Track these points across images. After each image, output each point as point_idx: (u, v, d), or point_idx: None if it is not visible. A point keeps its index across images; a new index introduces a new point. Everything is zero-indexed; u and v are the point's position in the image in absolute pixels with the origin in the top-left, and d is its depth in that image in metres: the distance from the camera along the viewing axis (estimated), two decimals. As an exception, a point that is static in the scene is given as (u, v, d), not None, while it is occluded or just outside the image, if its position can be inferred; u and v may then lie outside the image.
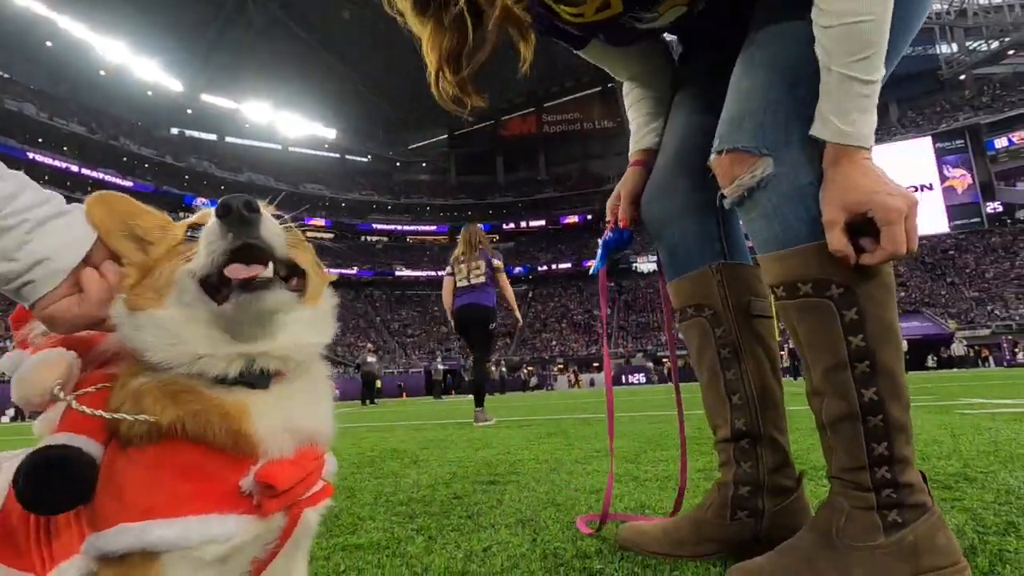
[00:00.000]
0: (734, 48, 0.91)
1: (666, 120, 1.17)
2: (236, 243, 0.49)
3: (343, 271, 43.17)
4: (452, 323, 5.17)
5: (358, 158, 56.29)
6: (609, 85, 42.67)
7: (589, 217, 50.71)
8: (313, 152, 53.73)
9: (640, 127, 1.25)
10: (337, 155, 55.13)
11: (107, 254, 0.56)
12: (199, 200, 43.60)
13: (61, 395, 0.54)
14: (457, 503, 1.49)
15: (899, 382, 0.78)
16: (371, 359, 15.26)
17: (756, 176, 0.80)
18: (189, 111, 45.89)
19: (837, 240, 0.73)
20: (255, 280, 0.49)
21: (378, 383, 18.68)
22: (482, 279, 4.97)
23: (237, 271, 0.49)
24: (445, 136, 56.97)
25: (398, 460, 2.48)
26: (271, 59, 43.24)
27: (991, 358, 25.95)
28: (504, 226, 52.38)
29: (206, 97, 45.24)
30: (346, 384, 29.18)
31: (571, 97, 53.80)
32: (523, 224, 52.38)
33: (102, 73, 41.43)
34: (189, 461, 0.49)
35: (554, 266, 47.92)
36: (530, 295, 47.07)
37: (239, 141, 51.28)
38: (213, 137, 50.12)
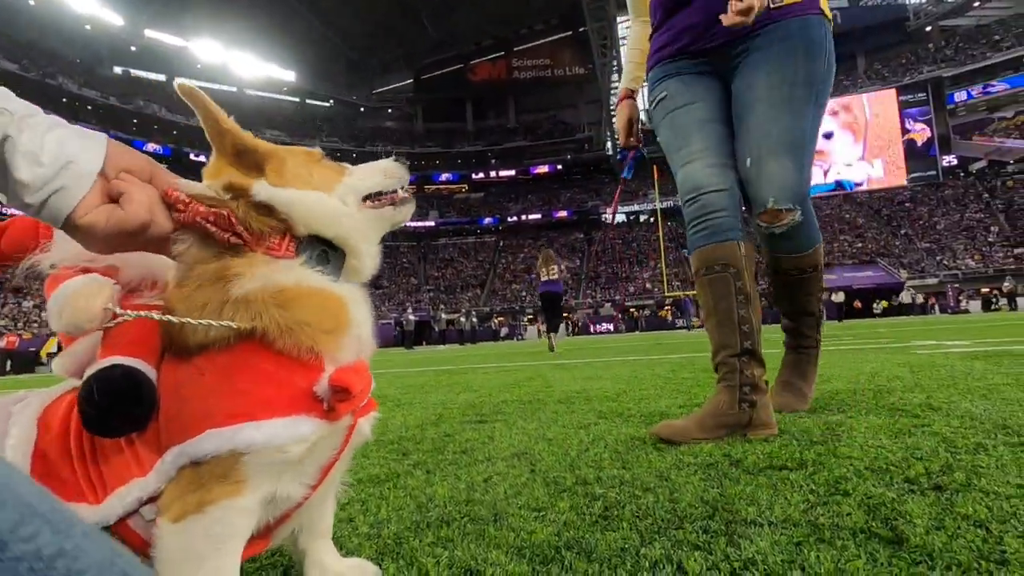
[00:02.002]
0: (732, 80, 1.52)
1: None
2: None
3: (308, 222, 41.89)
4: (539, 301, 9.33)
5: (319, 103, 53.69)
6: (581, 29, 41.36)
7: (560, 167, 50.17)
8: (271, 96, 50.92)
9: (634, 67, 1.78)
10: (297, 99, 52.42)
11: (119, 167, 0.50)
12: (150, 146, 41.18)
13: (117, 310, 0.53)
14: (449, 440, 1.50)
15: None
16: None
17: (794, 220, 1.44)
18: (133, 48, 42.52)
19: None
20: (401, 199, 0.66)
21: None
22: (556, 275, 8.56)
23: (401, 194, 0.67)
24: (411, 81, 54.68)
25: (381, 405, 2.48)
26: (221, -8, 40.15)
27: (936, 305, 27.45)
28: (473, 176, 51.39)
29: (150, 33, 41.85)
30: (315, 336, 28.99)
31: (542, 41, 52.00)
32: (492, 174, 51.49)
33: (31, 2, 37.80)
34: (264, 367, 0.51)
35: (524, 216, 47.63)
36: (500, 244, 46.93)
37: (191, 82, 48.09)
38: (162, 78, 46.81)
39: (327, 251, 0.59)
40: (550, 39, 51.64)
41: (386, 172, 0.66)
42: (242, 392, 0.50)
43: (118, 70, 44.67)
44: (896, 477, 0.92)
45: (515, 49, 52.94)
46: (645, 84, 1.74)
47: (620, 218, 43.47)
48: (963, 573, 0.58)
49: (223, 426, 0.48)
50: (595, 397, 2.26)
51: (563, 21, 48.83)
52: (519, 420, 1.78)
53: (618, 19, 40.39)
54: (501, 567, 0.66)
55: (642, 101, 1.80)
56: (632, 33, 1.82)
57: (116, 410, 0.49)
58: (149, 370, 0.52)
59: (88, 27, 39.01)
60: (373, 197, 0.64)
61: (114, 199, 0.49)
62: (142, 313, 0.52)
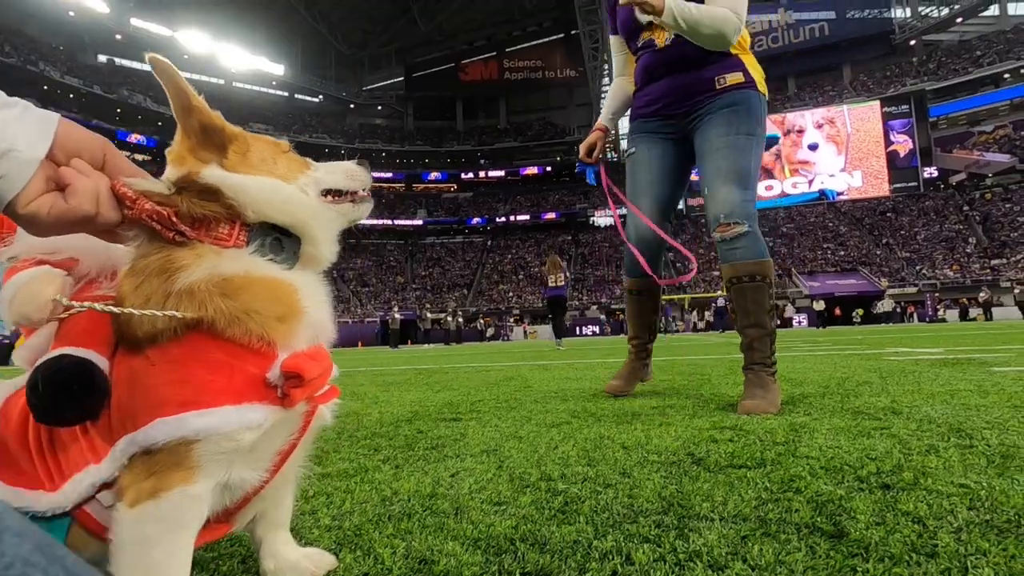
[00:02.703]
0: (692, 136, 2.01)
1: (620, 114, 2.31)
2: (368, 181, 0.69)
3: (294, 217, 41.52)
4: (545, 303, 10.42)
5: (309, 98, 53.21)
6: (572, 32, 41.53)
7: (549, 169, 50.29)
8: (259, 89, 50.33)
9: (610, 111, 2.28)
10: (286, 94, 51.90)
11: (69, 152, 0.50)
12: (134, 137, 40.50)
13: (64, 301, 0.53)
14: (421, 437, 1.51)
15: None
16: (325, 307, 14.99)
17: (741, 231, 1.84)
18: (118, 37, 41.76)
19: None
20: (360, 198, 0.68)
21: (333, 332, 18.45)
22: (562, 281, 9.70)
23: (361, 194, 0.68)
24: (402, 78, 54.45)
25: (358, 401, 2.49)
26: (210, -17, 39.67)
27: (915, 314, 27.97)
28: (462, 175, 51.30)
29: (136, 22, 41.15)
30: (299, 333, 28.72)
31: (534, 43, 52.11)
32: (482, 174, 51.46)
33: (14, -13, 36.99)
34: (214, 356, 0.51)
35: (512, 217, 47.67)
36: (488, 245, 46.91)
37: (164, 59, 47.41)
38: (147, 67, 46.01)
39: (280, 239, 0.59)
40: (542, 41, 51.79)
41: (348, 172, 0.67)
42: (192, 381, 0.50)
43: (102, 58, 43.91)
44: (848, 476, 0.95)
45: (507, 50, 53.00)
46: (625, 118, 2.30)
47: (607, 221, 43.70)
48: (894, 564, 0.61)
49: (172, 415, 0.48)
50: (572, 397, 2.28)
51: (555, 23, 49.01)
52: (493, 418, 1.79)
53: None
54: (455, 557, 0.68)
55: (623, 126, 2.43)
56: (616, 86, 2.29)
57: (62, 399, 0.49)
58: (101, 360, 0.52)
59: (72, 14, 38.27)
60: (334, 194, 0.65)
61: (60, 188, 0.49)
62: (87, 305, 0.52)
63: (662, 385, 2.61)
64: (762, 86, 1.95)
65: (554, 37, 50.84)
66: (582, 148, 2.27)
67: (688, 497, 0.87)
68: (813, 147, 41.47)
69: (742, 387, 1.85)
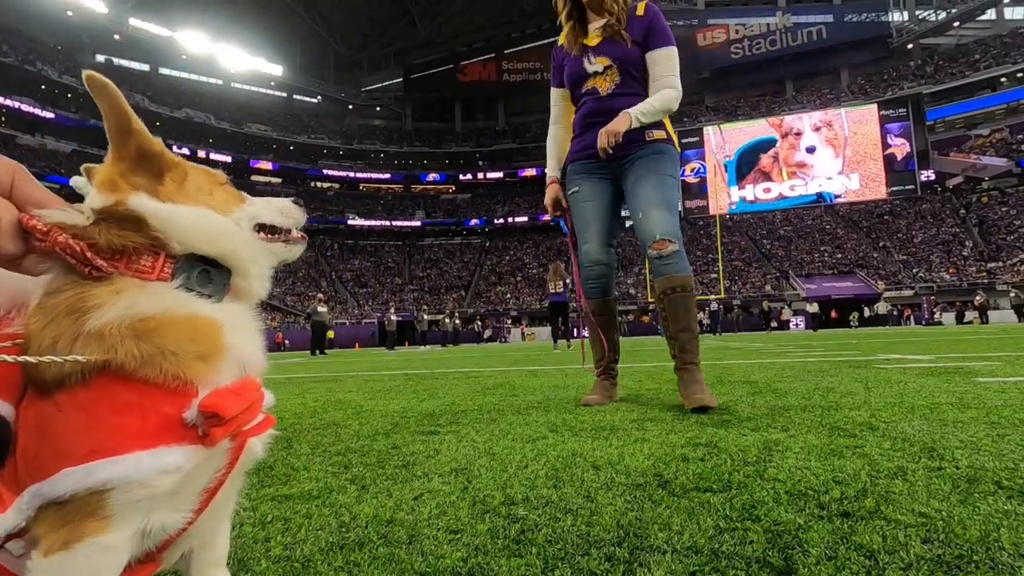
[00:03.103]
0: (623, 179, 2.33)
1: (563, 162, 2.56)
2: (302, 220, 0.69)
3: (292, 218, 41.47)
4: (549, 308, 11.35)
5: (307, 99, 53.23)
6: (571, 34, 41.55)
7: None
8: (258, 90, 50.35)
9: (556, 162, 2.57)
10: (284, 94, 51.91)
11: None
12: (131, 137, 40.30)
13: None
14: (395, 453, 1.50)
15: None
16: (321, 309, 14.96)
17: (674, 248, 2.14)
18: (116, 37, 41.77)
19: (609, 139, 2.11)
20: (293, 239, 0.68)
21: (329, 333, 18.41)
22: (561, 288, 10.58)
23: (295, 234, 0.68)
24: (401, 80, 54.48)
25: (341, 411, 2.48)
26: (209, -17, 39.66)
27: (912, 317, 28.02)
28: (461, 176, 51.36)
29: (135, 22, 41.16)
30: (295, 335, 28.73)
31: (532, 45, 52.18)
32: (480, 176, 51.50)
33: (12, -13, 36.94)
34: (125, 399, 0.49)
35: (511, 219, 47.70)
36: (486, 246, 46.90)
37: (175, 73, 47.40)
38: (146, 67, 46.08)
39: (209, 271, 0.57)
40: (541, 43, 51.83)
41: (283, 210, 0.67)
42: (99, 426, 0.48)
43: (100, 58, 43.88)
44: (811, 502, 0.94)
45: (505, 52, 53.05)
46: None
47: (606, 223, 43.72)
48: (836, 607, 0.60)
49: (79, 464, 0.47)
50: (554, 407, 2.27)
51: (554, 26, 48.70)
52: (471, 432, 1.78)
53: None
54: (397, 594, 0.67)
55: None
56: (555, 136, 2.59)
57: None
58: (4, 406, 0.50)
59: (70, 13, 38.26)
60: (267, 230, 0.65)
61: None
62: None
63: (648, 393, 2.61)
64: (677, 143, 2.38)
65: (553, 39, 50.76)
66: (549, 205, 2.58)
67: (646, 526, 0.86)
68: (811, 150, 41.52)
69: (702, 390, 2.09)
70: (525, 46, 52.50)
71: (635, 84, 2.26)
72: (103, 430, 0.48)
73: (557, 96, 2.55)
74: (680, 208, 43.27)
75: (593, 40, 2.28)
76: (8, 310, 0.54)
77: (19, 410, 0.51)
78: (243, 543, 0.87)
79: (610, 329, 2.48)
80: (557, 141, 2.57)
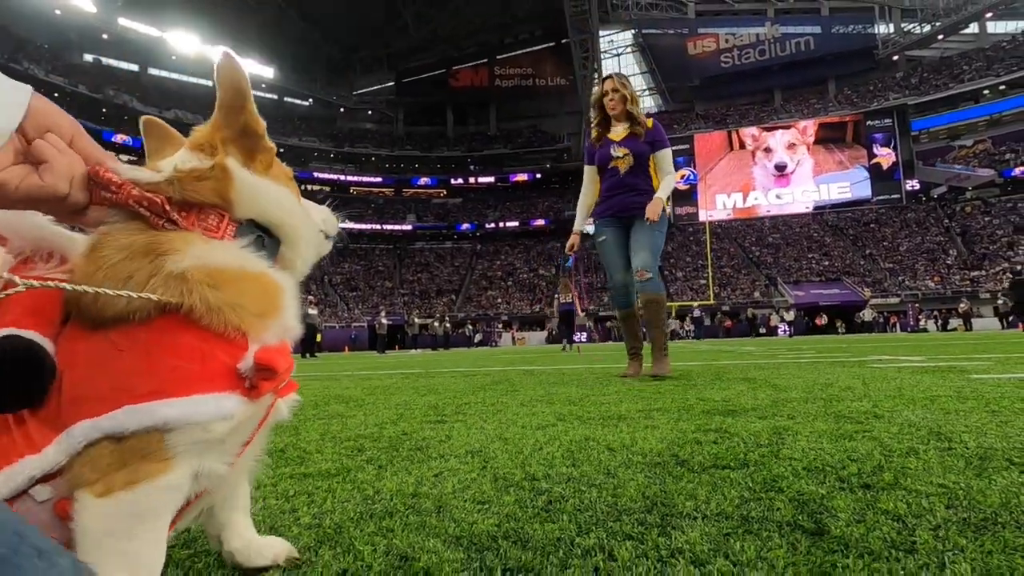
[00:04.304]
0: (633, 231, 3.38)
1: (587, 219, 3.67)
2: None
3: (282, 221, 41.17)
4: (557, 317, 14.36)
5: (298, 101, 52.99)
6: (563, 41, 41.86)
7: (539, 176, 50.48)
8: (249, 91, 50.03)
9: (582, 220, 3.63)
10: (275, 96, 51.63)
11: (41, 127, 0.48)
12: (119, 137, 39.97)
13: (17, 278, 0.48)
14: (406, 439, 1.50)
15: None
16: (312, 311, 14.86)
17: (649, 276, 3.22)
18: (105, 36, 41.32)
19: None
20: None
21: (318, 336, 18.28)
22: (570, 299, 12.47)
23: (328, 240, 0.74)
24: (393, 84, 54.43)
25: (343, 404, 2.46)
26: (200, -16, 39.39)
27: (898, 324, 28.39)
28: (452, 181, 51.31)
29: (124, 22, 40.75)
30: (285, 337, 28.40)
31: (525, 51, 52.43)
32: (471, 180, 51.51)
33: (-1, -16, 36.45)
34: (188, 342, 0.50)
35: (502, 224, 47.71)
36: (477, 250, 46.89)
37: (164, 74, 46.97)
38: (135, 68, 45.61)
39: (263, 238, 0.60)
40: (533, 49, 52.11)
41: (326, 217, 0.74)
42: (163, 367, 0.48)
43: (88, 58, 43.43)
44: (830, 476, 0.95)
45: (498, 57, 53.25)
46: (589, 222, 3.67)
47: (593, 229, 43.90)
48: (874, 560, 0.61)
49: (142, 402, 0.47)
50: (558, 401, 2.28)
51: (546, 32, 49.34)
52: (479, 421, 1.78)
53: (600, 33, 40.98)
54: (437, 554, 0.67)
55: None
56: (584, 200, 3.61)
57: (10, 385, 0.46)
58: (45, 342, 0.49)
59: (58, 12, 37.83)
60: None
61: (31, 162, 0.47)
62: (49, 283, 0.49)
63: (648, 390, 2.62)
64: (668, 205, 3.39)
65: (545, 45, 51.21)
66: (568, 246, 3.74)
67: (671, 496, 0.87)
68: (797, 160, 42.05)
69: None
70: (517, 52, 52.73)
71: (641, 169, 3.36)
72: (166, 371, 0.49)
73: (589, 172, 3.58)
74: (670, 214, 43.52)
75: (618, 137, 3.39)
76: (28, 256, 0.54)
77: (58, 344, 0.50)
78: (270, 513, 0.87)
79: (634, 327, 3.49)
80: (585, 204, 3.62)
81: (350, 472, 1.12)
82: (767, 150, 42.23)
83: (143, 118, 0.64)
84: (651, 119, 3.40)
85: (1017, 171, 35.63)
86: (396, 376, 4.49)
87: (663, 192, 3.27)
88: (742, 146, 43.03)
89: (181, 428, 0.48)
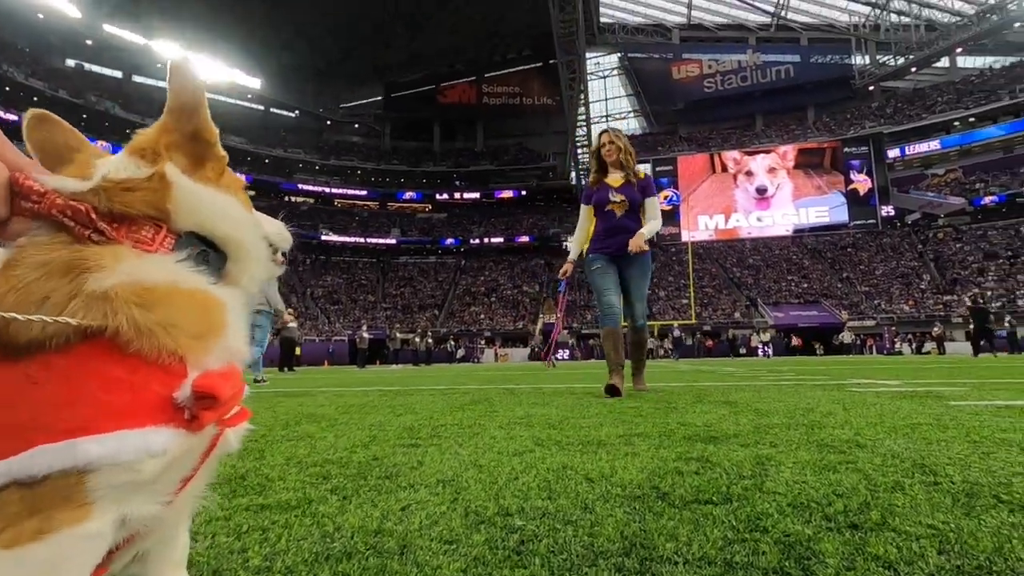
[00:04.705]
0: (623, 268, 3.82)
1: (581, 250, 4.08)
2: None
3: (264, 232, 40.69)
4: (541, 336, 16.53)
5: (285, 113, 52.83)
6: (550, 62, 42.49)
7: (524, 193, 50.79)
8: (235, 102, 49.72)
9: (577, 251, 4.08)
10: (262, 107, 51.42)
11: None
12: (99, 143, 39.19)
13: None
14: (375, 464, 1.43)
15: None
16: (291, 324, 14.60)
17: (643, 323, 3.88)
18: (88, 42, 40.88)
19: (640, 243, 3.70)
20: (276, 259, 0.67)
21: (297, 350, 17.96)
22: (553, 319, 12.84)
23: (280, 257, 0.68)
24: (381, 98, 54.61)
25: (315, 423, 2.37)
26: (189, -7, 39.26)
27: (874, 347, 28.89)
28: (437, 196, 51.39)
29: (110, 29, 40.37)
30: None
31: (512, 70, 53.09)
32: (457, 195, 51.64)
33: (-20, -14, 35.93)
34: (113, 371, 0.45)
35: (486, 239, 47.78)
36: (461, 265, 46.81)
37: (149, 81, 46.53)
38: (118, 74, 45.16)
39: (207, 252, 0.54)
40: (520, 68, 52.80)
41: (280, 232, 0.68)
42: (84, 400, 0.43)
43: (71, 63, 42.92)
44: (816, 514, 0.91)
45: (486, 75, 53.83)
46: (583, 254, 4.02)
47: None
48: (867, 618, 0.57)
49: (59, 440, 0.42)
50: (537, 423, 2.22)
51: (534, 53, 50.07)
52: (454, 445, 1.72)
53: (587, 55, 41.65)
54: (394, 607, 0.61)
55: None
56: (580, 235, 4.00)
57: None
58: None
59: (41, 16, 37.37)
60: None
61: None
62: None
63: (629, 412, 2.57)
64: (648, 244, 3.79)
65: (532, 65, 51.93)
66: (563, 272, 4.23)
67: (651, 536, 0.82)
68: (777, 184, 42.95)
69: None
70: (505, 71, 53.37)
71: (634, 213, 3.77)
72: (88, 404, 0.43)
73: (585, 211, 3.95)
74: (656, 237, 44.03)
75: (615, 183, 3.79)
76: None
77: None
78: (217, 553, 0.80)
79: (618, 345, 3.78)
80: (580, 239, 4.02)
81: (311, 504, 1.05)
82: (748, 173, 43.08)
83: (32, 112, 0.57)
84: (643, 171, 3.93)
85: (986, 200, 36.83)
86: (373, 393, 4.38)
87: (647, 231, 3.72)
88: (724, 169, 43.87)
89: (104, 469, 0.43)
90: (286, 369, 13.69)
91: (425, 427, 2.17)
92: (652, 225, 3.75)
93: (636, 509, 0.97)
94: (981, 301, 15.96)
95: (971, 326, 15.14)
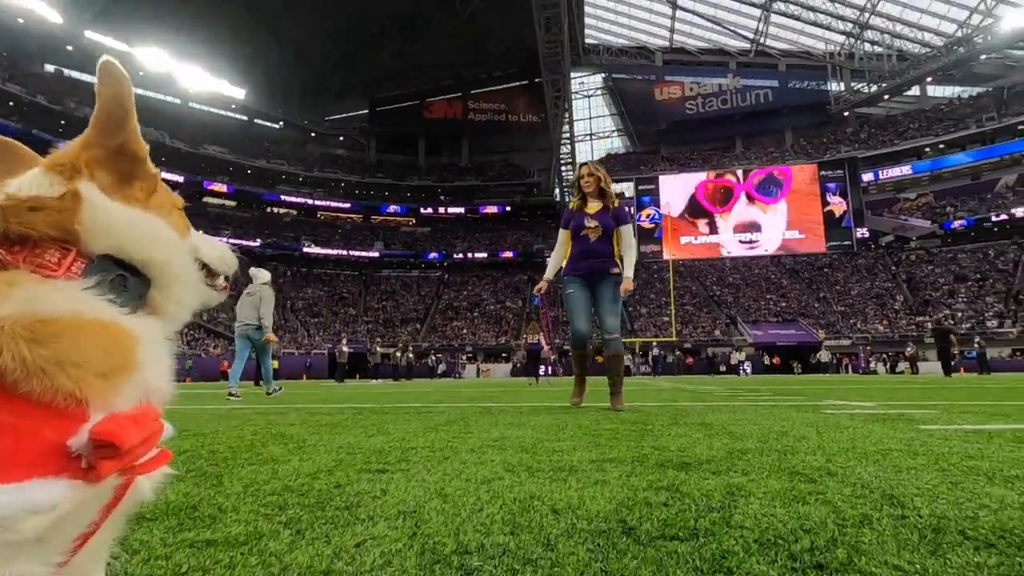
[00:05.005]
0: (596, 290, 4.11)
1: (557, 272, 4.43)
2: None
3: (244, 243, 40.27)
4: (525, 355, 16.20)
5: (269, 124, 52.53)
6: (536, 80, 43.06)
7: (508, 209, 51.02)
8: (218, 111, 49.33)
9: (553, 272, 4.39)
10: (245, 118, 51.06)
11: None
12: (76, 150, 38.50)
13: None
14: (337, 492, 1.38)
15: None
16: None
17: (613, 337, 4.02)
18: (69, 48, 40.34)
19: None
20: (221, 287, 0.65)
21: (274, 363, 17.63)
22: (537, 339, 14.69)
23: (221, 282, 0.65)
24: (367, 111, 54.68)
25: (282, 445, 2.30)
26: (172, 1, 39.06)
27: (850, 366, 29.36)
28: (422, 210, 51.36)
29: (91, 35, 39.90)
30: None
31: (499, 87, 53.64)
32: (441, 210, 51.67)
33: (-42, -11, 35.33)
34: None
35: (470, 254, 47.76)
36: (444, 279, 46.65)
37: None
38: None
39: (125, 276, 0.49)
40: (507, 86, 53.35)
41: (223, 255, 0.65)
42: None
43: (49, 68, 42.29)
44: (782, 553, 0.89)
45: (472, 92, 54.27)
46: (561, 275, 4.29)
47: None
48: (826, 676, 0.54)
49: None
50: (510, 447, 2.18)
51: (520, 70, 50.69)
52: (422, 471, 1.67)
53: (572, 75, 42.25)
54: (330, 665, 0.57)
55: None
56: (556, 257, 4.30)
57: None
58: None
59: (21, 20, 36.81)
60: (202, 267, 0.62)
61: None
62: None
63: (606, 435, 2.55)
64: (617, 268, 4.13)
65: (518, 83, 52.52)
66: (537, 289, 4.54)
67: (612, 578, 0.79)
68: (762, 205, 43.74)
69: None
70: (491, 88, 53.90)
71: (607, 238, 4.04)
72: None
73: (563, 235, 4.25)
74: (637, 254, 44.52)
75: (592, 210, 4.08)
76: None
77: None
78: (148, 600, 0.75)
79: (584, 363, 4.35)
80: (556, 260, 4.30)
81: (261, 539, 1.00)
82: (735, 199, 43.81)
83: None
84: (617, 200, 4.19)
85: (956, 224, 37.96)
86: (348, 411, 4.29)
87: (629, 272, 4.05)
88: (705, 188, 44.60)
89: None
90: (261, 383, 13.41)
91: (395, 450, 2.11)
92: (630, 259, 4.05)
93: (600, 546, 0.93)
94: (948, 323, 16.82)
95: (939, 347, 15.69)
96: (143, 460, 0.46)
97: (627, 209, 4.21)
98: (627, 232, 4.07)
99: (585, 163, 4.25)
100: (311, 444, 2.33)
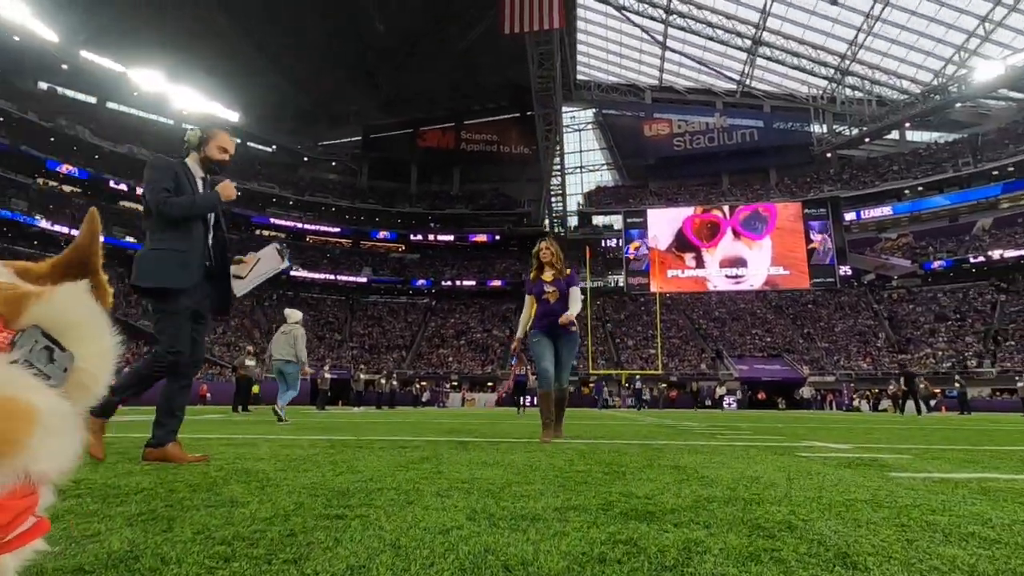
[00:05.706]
0: (557, 342, 4.97)
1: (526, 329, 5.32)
2: None
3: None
4: (513, 388, 20.23)
5: (262, 147, 52.82)
6: (528, 113, 43.95)
7: (498, 237, 51.33)
8: (211, 133, 49.50)
9: (523, 330, 5.25)
10: (238, 140, 51.22)
11: None
12: (65, 167, 38.42)
13: None
14: (289, 542, 1.35)
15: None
16: (249, 362, 14.13)
17: (568, 388, 5.10)
18: (64, 66, 40.54)
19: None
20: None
21: (255, 388, 17.30)
22: (523, 372, 18.63)
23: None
24: (360, 138, 55.25)
25: (245, 483, 2.25)
26: (170, 24, 39.52)
27: (834, 402, 29.48)
28: (411, 236, 51.51)
29: (87, 55, 40.17)
30: (219, 388, 26.82)
31: (491, 119, 54.59)
32: (431, 237, 51.87)
33: (-45, 6, 35.51)
34: None
35: (458, 282, 47.79)
36: (432, 306, 46.48)
37: (123, 108, 46.16)
38: (92, 100, 44.72)
39: (52, 349, 0.49)
40: (499, 118, 54.31)
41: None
42: None
43: (43, 86, 42.36)
44: (724, 621, 0.88)
45: (465, 122, 55.13)
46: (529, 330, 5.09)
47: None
48: None
49: None
50: (477, 490, 2.15)
51: (512, 103, 51.72)
52: (382, 516, 1.64)
53: (563, 109, 43.17)
54: None
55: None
56: (524, 318, 5.15)
57: None
58: None
59: (16, 38, 37.00)
60: None
61: None
62: None
63: (577, 477, 2.52)
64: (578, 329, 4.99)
65: (510, 116, 53.50)
66: (513, 349, 5.51)
67: (548, 649, 0.77)
68: (748, 240, 44.45)
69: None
70: (484, 119, 54.84)
71: (562, 300, 4.84)
72: None
73: (529, 299, 5.08)
74: (624, 284, 45.02)
75: (548, 278, 4.96)
76: None
77: None
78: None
79: (550, 405, 4.80)
80: (524, 320, 5.15)
81: (198, 597, 0.97)
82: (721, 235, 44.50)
83: None
84: (569, 269, 5.09)
85: (935, 264, 38.82)
86: (322, 443, 4.21)
87: (572, 312, 4.80)
88: (692, 223, 45.31)
89: None
90: (240, 409, 13.14)
91: (360, 492, 2.07)
92: (574, 308, 4.88)
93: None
94: (913, 368, 20.47)
95: (921, 386, 16.93)
96: (10, 537, 0.45)
97: (576, 275, 5.15)
98: (575, 294, 4.96)
99: (544, 236, 5.37)
100: (274, 482, 2.28)
